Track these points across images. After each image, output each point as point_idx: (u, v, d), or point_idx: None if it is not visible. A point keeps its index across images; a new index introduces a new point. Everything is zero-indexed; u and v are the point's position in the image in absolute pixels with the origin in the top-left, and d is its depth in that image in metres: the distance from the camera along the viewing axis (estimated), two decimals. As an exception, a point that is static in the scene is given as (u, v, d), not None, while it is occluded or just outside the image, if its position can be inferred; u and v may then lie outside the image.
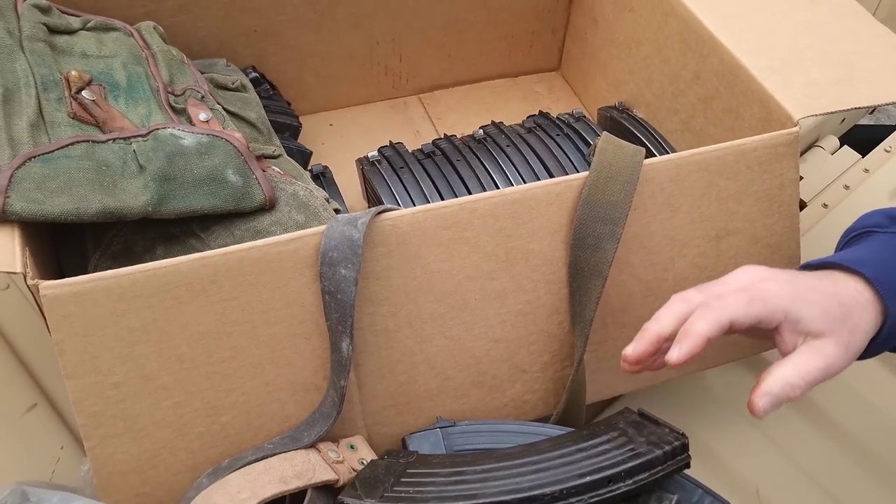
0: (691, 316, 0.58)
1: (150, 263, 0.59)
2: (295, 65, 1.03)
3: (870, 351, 0.62)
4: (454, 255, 0.66)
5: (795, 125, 0.74)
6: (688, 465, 0.60)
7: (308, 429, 0.64)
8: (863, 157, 1.13)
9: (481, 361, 0.69)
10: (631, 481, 0.58)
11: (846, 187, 1.11)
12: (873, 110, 2.05)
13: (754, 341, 0.74)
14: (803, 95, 0.76)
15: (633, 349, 0.60)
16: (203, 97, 0.77)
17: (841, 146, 1.15)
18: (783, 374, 0.58)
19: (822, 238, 1.04)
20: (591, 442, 0.61)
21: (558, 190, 0.68)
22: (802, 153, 1.14)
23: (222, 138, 0.70)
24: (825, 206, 1.09)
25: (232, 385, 0.63)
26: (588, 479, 0.57)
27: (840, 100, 0.76)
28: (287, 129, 0.95)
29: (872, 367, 0.91)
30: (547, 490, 0.56)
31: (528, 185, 0.67)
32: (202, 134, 0.70)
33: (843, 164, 1.12)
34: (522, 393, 0.71)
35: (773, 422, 0.86)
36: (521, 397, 0.71)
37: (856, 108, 0.76)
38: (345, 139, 1.06)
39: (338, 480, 0.61)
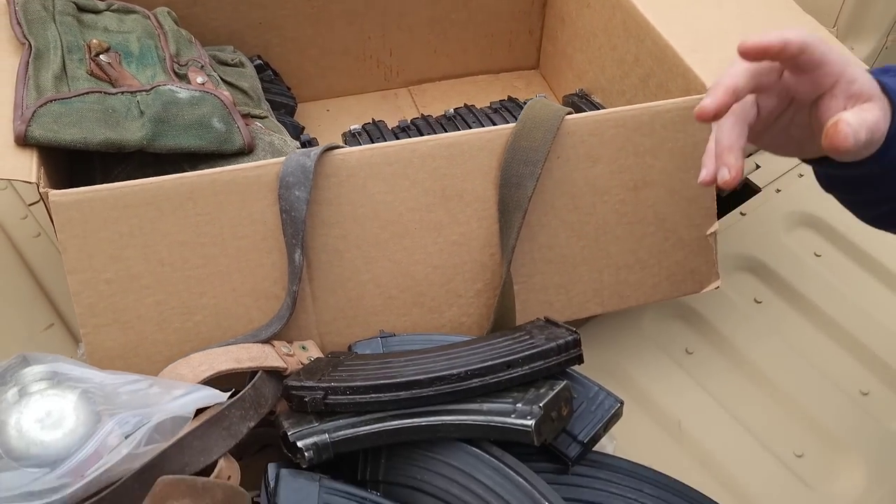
0: None
1: (139, 180, 0.72)
2: (296, 55, 1.17)
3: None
4: (396, 188, 0.78)
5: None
6: (580, 360, 0.70)
7: (266, 329, 0.76)
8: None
9: (421, 284, 0.80)
10: (527, 367, 0.68)
11: (801, 175, 1.20)
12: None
13: (687, 285, 0.84)
14: (717, 68, 0.87)
15: (711, 101, 0.60)
16: (202, 66, 0.91)
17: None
18: (857, 113, 0.57)
19: (768, 217, 1.13)
20: (498, 339, 0.72)
21: (489, 136, 0.80)
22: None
23: (212, 94, 0.84)
24: (778, 191, 1.18)
25: (204, 289, 0.75)
26: (490, 363, 0.67)
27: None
28: (283, 107, 1.09)
29: (785, 310, 1.00)
30: (454, 371, 0.67)
31: (463, 132, 0.79)
32: (195, 91, 0.84)
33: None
34: (458, 316, 0.82)
35: (696, 364, 0.94)
36: (457, 319, 0.82)
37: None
38: (339, 122, 1.19)
39: (286, 369, 0.73)
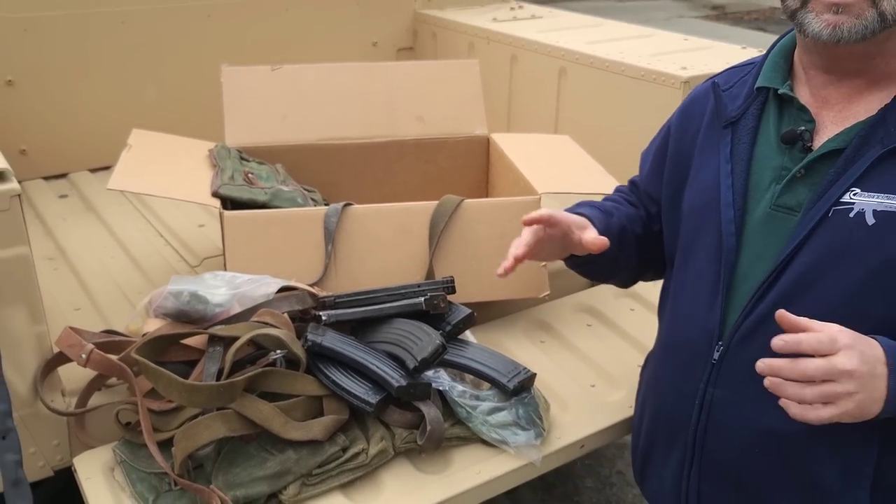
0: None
1: (268, 210, 1.62)
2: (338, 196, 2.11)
3: None
4: (379, 225, 1.66)
5: (537, 195, 1.72)
6: (453, 290, 1.52)
7: (314, 280, 1.60)
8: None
9: (392, 272, 1.64)
10: (427, 286, 1.50)
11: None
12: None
13: (529, 291, 1.67)
14: (545, 182, 1.76)
15: (508, 264, 1.54)
16: (285, 180, 1.85)
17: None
18: (589, 233, 1.27)
19: (607, 289, 1.94)
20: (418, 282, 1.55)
21: (427, 206, 1.68)
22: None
23: (297, 189, 1.77)
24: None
25: (291, 260, 1.61)
26: (403, 289, 1.50)
27: (561, 187, 1.75)
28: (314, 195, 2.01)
29: (604, 331, 1.78)
30: (392, 290, 1.50)
31: (413, 203, 1.69)
32: (290, 189, 1.77)
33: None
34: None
35: (547, 348, 1.72)
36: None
37: (569, 192, 1.74)
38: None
39: (317, 296, 1.56)
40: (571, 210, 1.37)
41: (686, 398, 1.21)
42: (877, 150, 1.04)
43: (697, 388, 1.19)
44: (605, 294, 1.90)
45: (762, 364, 0.96)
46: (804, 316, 0.96)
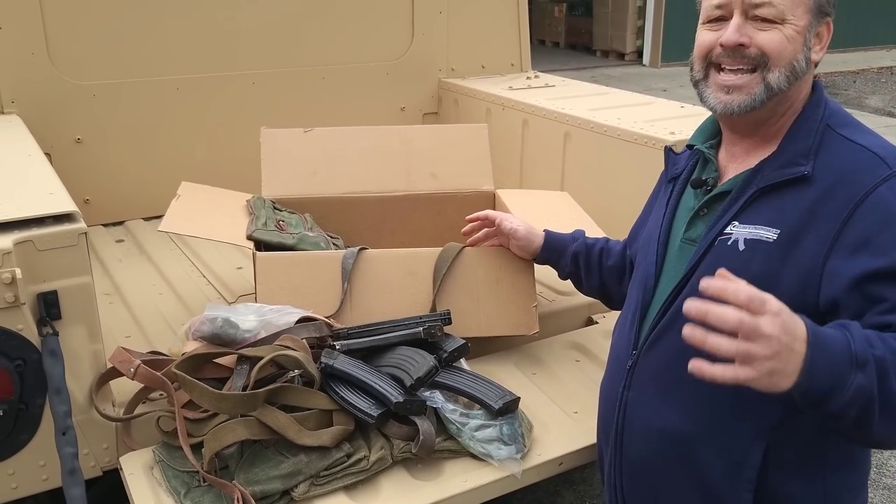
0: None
1: (295, 252, 1.88)
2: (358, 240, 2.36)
3: None
4: (389, 267, 1.90)
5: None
6: (449, 321, 1.74)
7: (330, 313, 1.84)
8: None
9: (399, 307, 1.87)
10: (426, 318, 1.73)
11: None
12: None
13: (520, 328, 1.89)
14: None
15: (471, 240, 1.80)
16: (311, 227, 2.11)
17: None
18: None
19: (596, 330, 2.14)
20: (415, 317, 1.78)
21: (431, 252, 1.92)
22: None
23: (321, 235, 2.03)
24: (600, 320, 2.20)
25: (311, 295, 1.85)
26: (410, 317, 1.73)
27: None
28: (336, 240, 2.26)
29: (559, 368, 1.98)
30: (396, 322, 1.73)
31: (419, 249, 1.92)
32: (315, 235, 2.03)
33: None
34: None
35: (538, 380, 1.92)
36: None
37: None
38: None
39: (333, 326, 1.79)
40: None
41: (611, 402, 1.43)
42: (751, 190, 1.26)
43: (618, 391, 1.40)
44: (595, 334, 2.10)
45: (689, 303, 0.99)
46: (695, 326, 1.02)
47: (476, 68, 3.33)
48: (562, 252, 1.84)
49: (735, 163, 1.34)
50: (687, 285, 1.29)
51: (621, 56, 12.29)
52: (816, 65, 1.29)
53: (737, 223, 1.26)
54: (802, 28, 1.23)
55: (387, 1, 3.12)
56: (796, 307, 1.03)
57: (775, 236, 1.21)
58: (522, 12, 3.36)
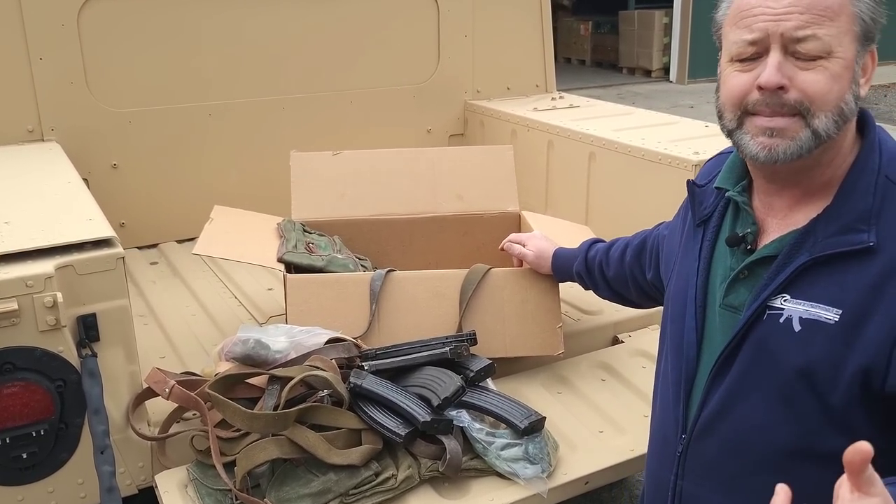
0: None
1: (324, 274, 1.92)
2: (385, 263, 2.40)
3: None
4: (416, 289, 1.93)
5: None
6: (475, 341, 1.77)
7: (359, 334, 1.88)
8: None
9: (424, 328, 1.90)
10: (453, 338, 1.76)
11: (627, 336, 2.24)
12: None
13: (546, 348, 1.91)
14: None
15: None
16: (340, 249, 2.15)
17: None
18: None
19: (623, 349, 2.15)
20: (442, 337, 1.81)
21: (457, 273, 1.95)
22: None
23: (350, 258, 2.07)
24: (629, 336, 2.21)
25: (339, 315, 1.89)
26: (437, 337, 1.77)
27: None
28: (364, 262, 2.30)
29: (594, 381, 1.99)
30: (423, 342, 1.77)
31: (446, 270, 1.96)
32: (344, 257, 2.07)
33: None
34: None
35: (562, 398, 1.94)
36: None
37: (583, 261, 1.99)
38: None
39: (361, 347, 1.83)
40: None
41: (662, 489, 1.28)
42: (803, 258, 1.10)
43: (670, 479, 1.26)
44: (620, 353, 2.12)
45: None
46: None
47: (501, 90, 3.37)
48: (568, 272, 1.89)
49: (776, 218, 1.17)
50: (736, 361, 1.15)
51: (647, 73, 12.29)
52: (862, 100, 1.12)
53: (787, 297, 1.11)
54: (850, 60, 1.07)
55: (413, 26, 3.17)
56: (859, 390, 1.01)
57: (837, 317, 1.07)
58: (547, 34, 3.40)
